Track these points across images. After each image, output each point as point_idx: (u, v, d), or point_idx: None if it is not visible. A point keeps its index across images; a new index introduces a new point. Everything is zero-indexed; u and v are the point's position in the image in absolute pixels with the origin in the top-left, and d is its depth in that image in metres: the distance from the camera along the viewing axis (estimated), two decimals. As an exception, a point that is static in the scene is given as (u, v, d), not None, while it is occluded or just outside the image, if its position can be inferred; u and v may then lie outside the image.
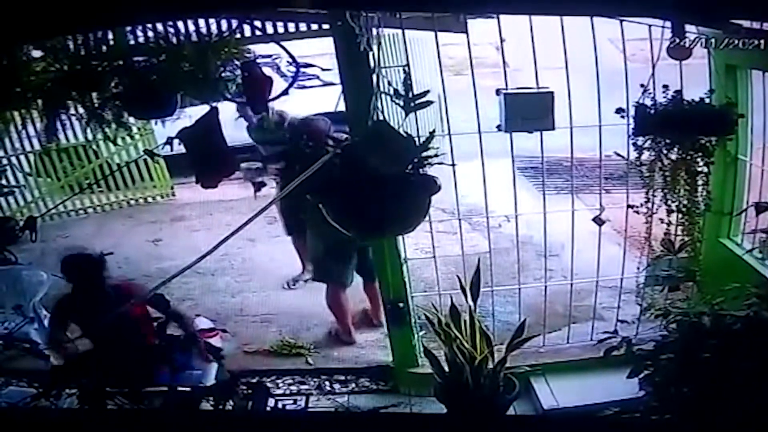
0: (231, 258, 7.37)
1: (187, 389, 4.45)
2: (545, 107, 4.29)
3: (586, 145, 4.84)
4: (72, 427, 2.17)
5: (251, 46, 4.72)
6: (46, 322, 5.59)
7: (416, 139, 3.60)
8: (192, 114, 4.75)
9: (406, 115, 3.59)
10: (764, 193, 4.45)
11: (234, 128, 5.71)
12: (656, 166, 4.34)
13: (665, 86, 4.20)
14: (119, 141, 8.02)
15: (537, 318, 5.18)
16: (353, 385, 5.48)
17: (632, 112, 4.22)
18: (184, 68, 4.37)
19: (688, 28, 3.75)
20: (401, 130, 3.51)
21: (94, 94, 4.48)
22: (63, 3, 2.25)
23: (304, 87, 9.98)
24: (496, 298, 5.18)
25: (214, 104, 4.70)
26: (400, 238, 4.82)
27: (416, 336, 5.18)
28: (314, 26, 5.35)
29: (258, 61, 4.62)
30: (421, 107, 3.61)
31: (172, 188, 9.82)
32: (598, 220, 4.71)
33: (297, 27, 5.64)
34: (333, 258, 5.65)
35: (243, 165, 6.25)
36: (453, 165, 4.17)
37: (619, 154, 4.52)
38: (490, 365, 4.52)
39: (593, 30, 4.24)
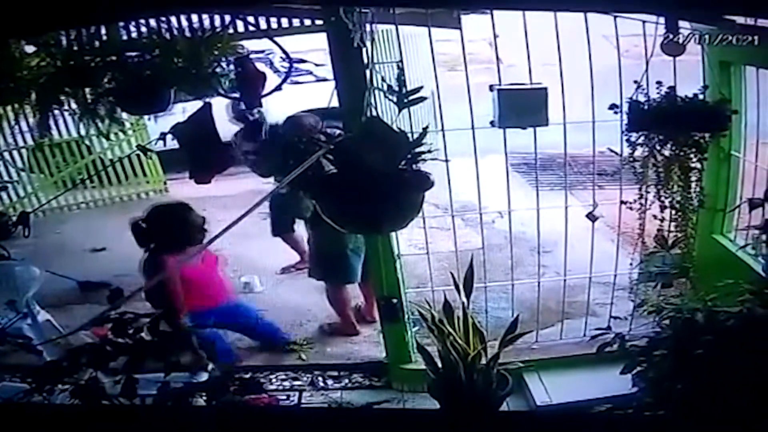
0: (224, 254, 7.36)
1: (180, 385, 4.43)
2: (539, 103, 4.28)
3: (580, 141, 4.83)
4: (65, 422, 2.16)
5: (244, 42, 4.71)
6: (39, 318, 5.58)
7: (409, 135, 3.59)
8: (185, 109, 4.74)
9: (400, 111, 3.58)
10: (758, 189, 4.45)
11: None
12: (650, 162, 4.34)
13: (659, 82, 4.19)
14: (112, 136, 8.06)
15: (530, 314, 5.19)
16: (346, 380, 5.48)
17: (626, 108, 4.22)
18: (178, 64, 4.37)
19: (682, 24, 3.76)
20: (395, 126, 3.51)
21: (87, 90, 4.47)
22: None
23: (298, 83, 9.98)
24: (489, 294, 5.17)
25: (207, 100, 4.70)
26: (393, 234, 4.82)
27: (409, 332, 5.18)
28: (307, 22, 5.35)
29: (251, 56, 4.62)
30: (415, 103, 3.60)
31: (165, 184, 9.81)
32: (592, 216, 4.70)
33: (290, 23, 5.64)
34: (339, 257, 5.65)
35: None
36: (446, 161, 4.16)
37: (612, 151, 4.52)
38: (484, 361, 4.52)
39: (587, 26, 4.24)
